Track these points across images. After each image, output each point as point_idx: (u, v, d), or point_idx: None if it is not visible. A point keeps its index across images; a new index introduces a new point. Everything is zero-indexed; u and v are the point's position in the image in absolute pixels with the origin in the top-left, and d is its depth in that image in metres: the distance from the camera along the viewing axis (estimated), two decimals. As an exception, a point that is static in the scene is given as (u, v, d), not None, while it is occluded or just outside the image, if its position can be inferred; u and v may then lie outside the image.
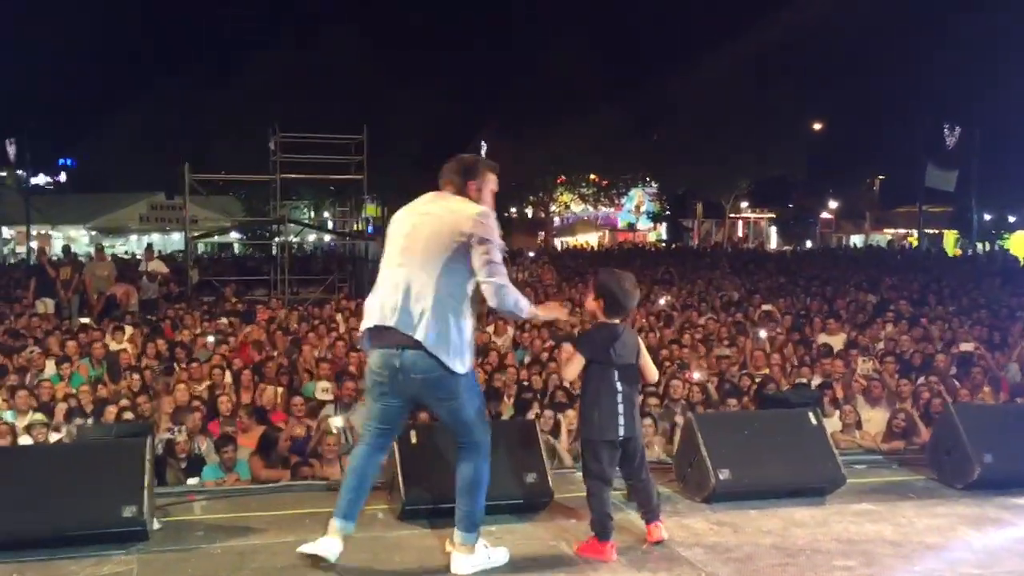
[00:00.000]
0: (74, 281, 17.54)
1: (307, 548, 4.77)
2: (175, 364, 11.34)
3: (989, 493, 6.29)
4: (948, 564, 5.05)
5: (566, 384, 9.16)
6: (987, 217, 42.92)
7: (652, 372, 5.32)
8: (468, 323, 4.76)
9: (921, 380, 10.42)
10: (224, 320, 15.11)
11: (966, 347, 12.24)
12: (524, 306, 4.80)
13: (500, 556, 4.91)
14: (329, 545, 4.77)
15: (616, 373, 5.02)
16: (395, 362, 4.71)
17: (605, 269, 5.27)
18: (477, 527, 4.86)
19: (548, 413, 8.60)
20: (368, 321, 4.83)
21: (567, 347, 10.18)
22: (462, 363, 4.70)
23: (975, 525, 5.73)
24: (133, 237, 40.66)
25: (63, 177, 59.81)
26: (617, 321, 5.07)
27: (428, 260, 4.67)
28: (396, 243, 4.83)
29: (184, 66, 49.71)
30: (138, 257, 27.87)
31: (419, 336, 4.61)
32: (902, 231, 51.93)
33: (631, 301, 5.11)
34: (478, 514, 4.87)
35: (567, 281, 21.71)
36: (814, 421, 6.47)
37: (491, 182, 4.92)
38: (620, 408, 4.99)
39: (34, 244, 35.76)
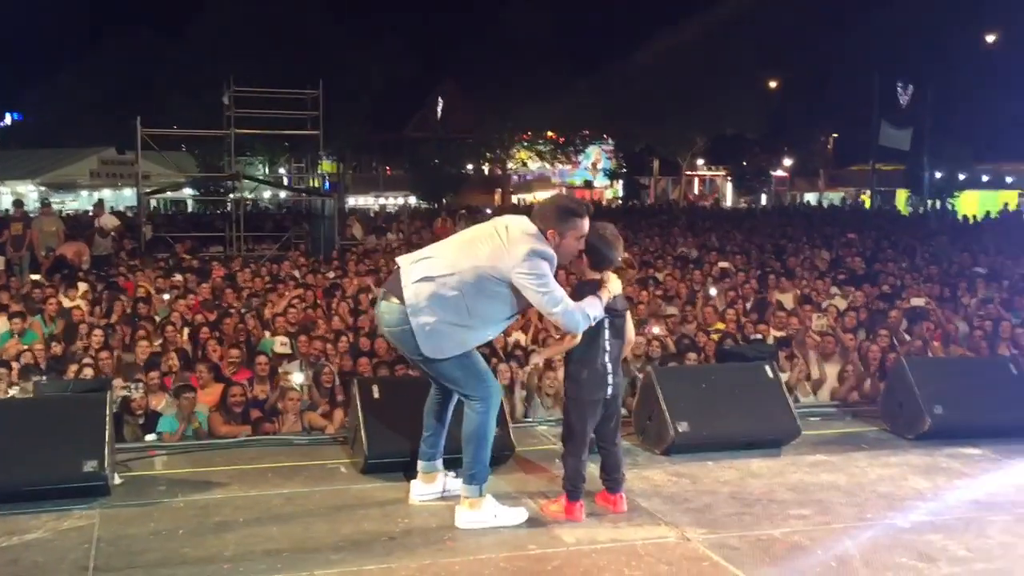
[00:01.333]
0: (26, 237, 17.25)
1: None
2: (136, 320, 11.21)
3: (939, 443, 6.45)
4: (900, 512, 5.18)
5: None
6: (938, 175, 43.46)
7: (632, 331, 5.21)
8: (463, 328, 4.69)
9: (870, 335, 10.60)
10: (178, 277, 14.97)
11: (917, 302, 12.45)
12: (595, 312, 4.71)
13: (511, 517, 4.84)
14: (416, 488, 5.18)
15: (606, 331, 4.90)
16: (376, 312, 4.92)
17: None
18: (478, 481, 4.82)
19: (503, 367, 8.60)
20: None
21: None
22: (431, 348, 4.69)
23: (926, 474, 5.88)
24: (84, 192, 39.86)
25: (8, 120, 58.07)
26: (600, 275, 4.90)
27: (464, 254, 4.71)
28: (464, 232, 4.99)
29: (136, 18, 48.77)
30: (89, 213, 27.44)
31: (406, 295, 4.67)
32: (855, 189, 52.48)
33: (615, 251, 4.90)
34: (478, 467, 4.82)
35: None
36: (770, 374, 6.59)
37: (577, 230, 4.76)
38: (609, 367, 4.90)
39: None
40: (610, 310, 4.88)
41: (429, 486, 5.18)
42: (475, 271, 4.65)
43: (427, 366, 4.84)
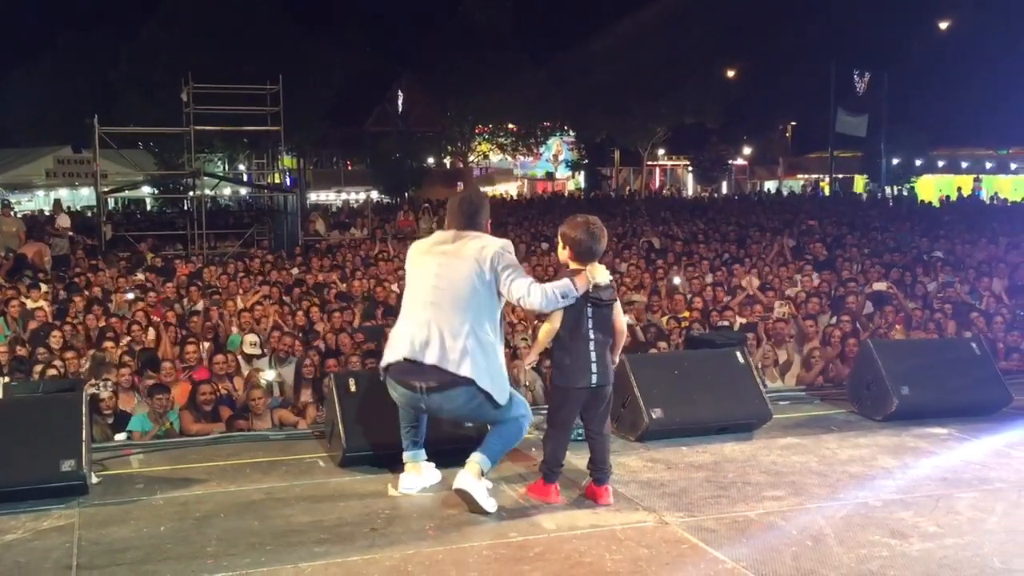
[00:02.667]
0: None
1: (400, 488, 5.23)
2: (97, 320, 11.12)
3: (906, 423, 6.61)
4: (871, 491, 5.29)
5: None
6: (895, 161, 44.05)
7: (622, 322, 5.22)
8: (501, 352, 4.92)
9: (834, 320, 10.75)
10: (140, 276, 14.88)
11: (879, 286, 12.65)
12: (568, 291, 4.79)
13: (490, 504, 4.91)
14: (404, 482, 5.23)
15: (590, 320, 4.94)
16: (420, 404, 4.95)
17: (569, 218, 5.10)
18: (491, 461, 4.92)
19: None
20: (394, 354, 4.92)
21: None
22: (503, 393, 4.84)
23: (894, 454, 6.02)
24: (40, 193, 39.29)
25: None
26: (587, 266, 4.94)
27: (460, 300, 4.80)
28: (424, 283, 4.94)
29: (90, 16, 48.12)
30: (46, 213, 27.12)
31: (464, 371, 4.73)
32: (814, 176, 53.06)
33: (599, 243, 4.96)
34: (498, 452, 4.96)
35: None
36: (741, 360, 6.69)
37: (488, 211, 5.13)
38: (593, 356, 4.93)
39: (-65, 201, 34.41)
40: (593, 299, 4.93)
41: (417, 478, 5.23)
42: (480, 297, 4.80)
43: (488, 415, 4.93)
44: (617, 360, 5.34)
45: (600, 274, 4.95)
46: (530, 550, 4.45)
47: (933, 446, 6.18)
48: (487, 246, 4.85)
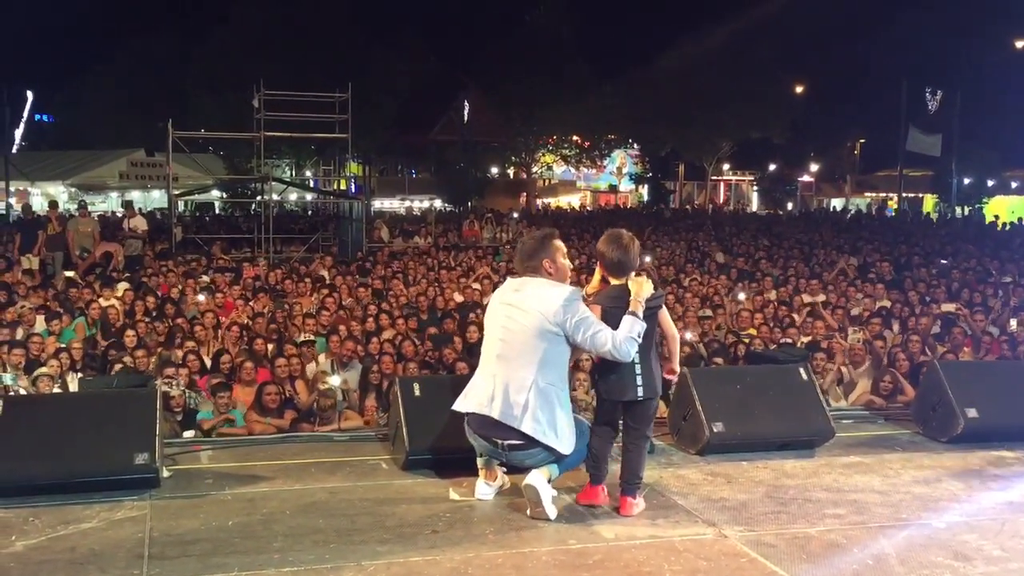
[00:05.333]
0: (62, 238, 17.51)
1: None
2: (167, 320, 11.39)
3: (972, 446, 6.49)
4: (934, 512, 5.23)
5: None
6: (966, 181, 43.22)
7: (672, 326, 5.22)
8: (567, 398, 4.97)
9: (901, 341, 10.61)
10: (205, 278, 15.20)
11: (947, 307, 12.47)
12: (638, 327, 4.81)
13: (552, 510, 4.96)
14: (481, 488, 5.27)
15: None
16: (501, 457, 5.07)
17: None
18: (561, 471, 5.03)
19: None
20: (466, 406, 5.05)
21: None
22: (569, 444, 4.90)
23: (959, 476, 5.93)
24: (113, 194, 40.23)
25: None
26: (624, 280, 4.97)
27: (525, 354, 4.87)
28: (493, 334, 5.04)
29: (164, 22, 49.21)
30: (118, 214, 27.75)
31: (526, 428, 4.81)
32: (882, 195, 52.28)
33: (630, 256, 4.95)
34: (566, 468, 5.06)
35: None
36: (804, 376, 6.65)
37: (560, 249, 5.04)
38: (637, 368, 4.93)
39: (12, 200, 35.47)
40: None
41: (492, 484, 5.29)
42: (545, 349, 4.83)
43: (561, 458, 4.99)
44: (677, 369, 5.38)
45: (647, 290, 4.93)
46: (589, 557, 4.48)
47: (1000, 469, 6.09)
48: (552, 298, 4.82)
